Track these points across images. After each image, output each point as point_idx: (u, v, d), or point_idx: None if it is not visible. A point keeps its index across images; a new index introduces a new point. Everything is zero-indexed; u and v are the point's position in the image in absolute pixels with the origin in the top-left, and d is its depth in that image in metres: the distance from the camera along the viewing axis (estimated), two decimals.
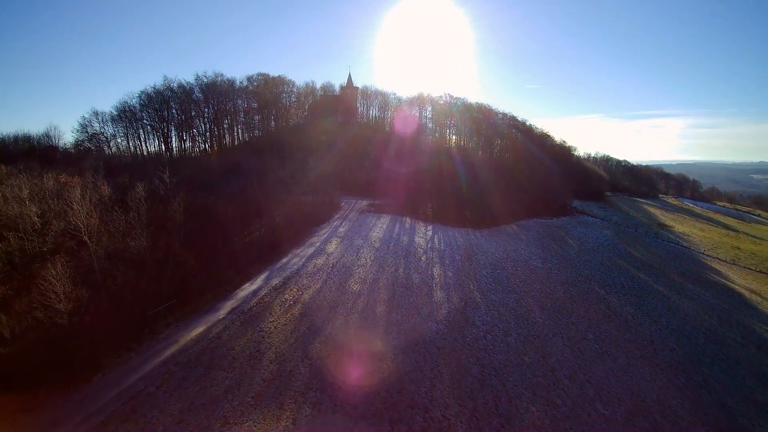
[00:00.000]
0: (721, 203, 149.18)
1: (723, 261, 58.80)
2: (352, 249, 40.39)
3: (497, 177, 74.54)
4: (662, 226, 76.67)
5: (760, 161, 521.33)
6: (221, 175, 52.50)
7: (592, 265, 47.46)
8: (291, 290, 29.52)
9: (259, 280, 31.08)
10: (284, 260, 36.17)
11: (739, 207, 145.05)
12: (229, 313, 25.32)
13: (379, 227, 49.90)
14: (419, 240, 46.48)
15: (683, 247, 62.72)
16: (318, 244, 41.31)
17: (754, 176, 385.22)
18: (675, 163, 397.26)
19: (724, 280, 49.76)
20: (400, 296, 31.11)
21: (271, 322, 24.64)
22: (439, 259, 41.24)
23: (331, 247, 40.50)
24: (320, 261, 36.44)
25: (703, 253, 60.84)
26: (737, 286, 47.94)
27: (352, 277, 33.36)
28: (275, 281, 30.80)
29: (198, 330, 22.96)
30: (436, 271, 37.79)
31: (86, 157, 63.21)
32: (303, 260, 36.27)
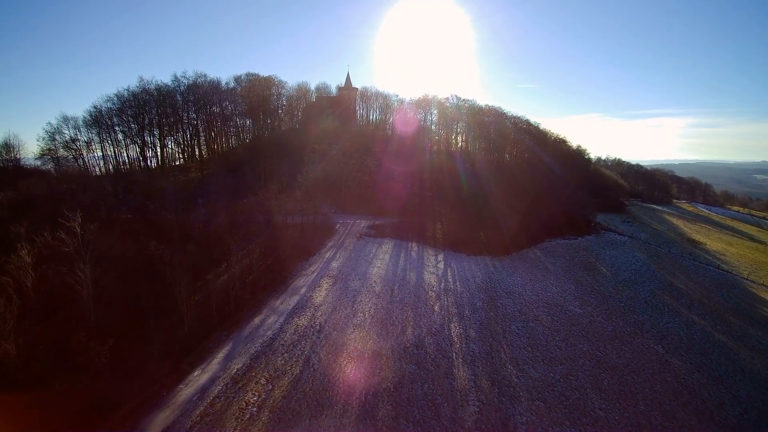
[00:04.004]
0: (735, 208, 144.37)
1: None
2: (346, 297, 31.80)
3: (511, 189, 66.00)
4: (693, 243, 69.57)
5: (762, 161, 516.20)
6: (190, 197, 43.61)
7: (636, 305, 39.66)
8: (257, 382, 20.89)
9: (215, 362, 22.41)
10: (256, 321, 27.46)
11: (753, 212, 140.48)
12: None
13: (381, 259, 41.38)
14: (429, 277, 37.99)
15: (724, 272, 55.76)
16: (304, 289, 32.59)
17: (757, 176, 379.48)
18: (677, 163, 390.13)
19: None
20: (410, 381, 22.65)
21: None
22: (456, 307, 32.81)
23: (320, 295, 31.84)
24: (304, 320, 27.79)
25: (746, 279, 54.22)
26: None
27: (344, 348, 24.80)
28: (237, 364, 22.11)
29: None
30: (455, 329, 29.35)
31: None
32: (281, 320, 27.58)
